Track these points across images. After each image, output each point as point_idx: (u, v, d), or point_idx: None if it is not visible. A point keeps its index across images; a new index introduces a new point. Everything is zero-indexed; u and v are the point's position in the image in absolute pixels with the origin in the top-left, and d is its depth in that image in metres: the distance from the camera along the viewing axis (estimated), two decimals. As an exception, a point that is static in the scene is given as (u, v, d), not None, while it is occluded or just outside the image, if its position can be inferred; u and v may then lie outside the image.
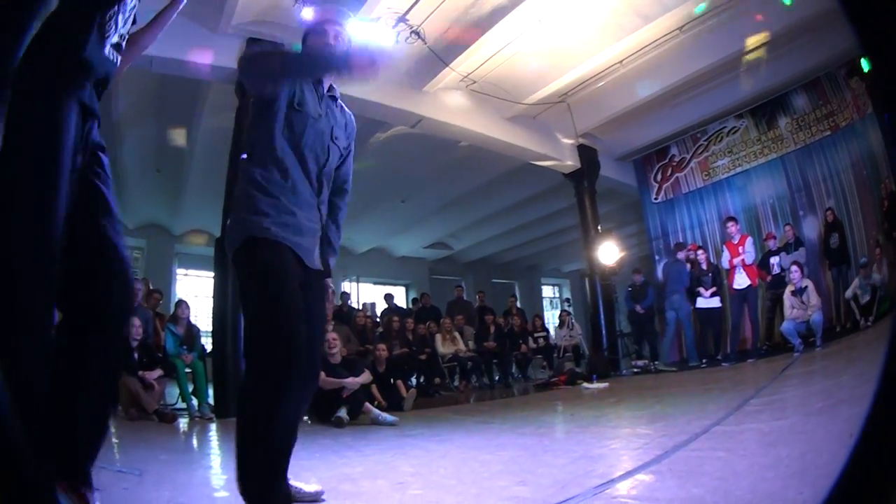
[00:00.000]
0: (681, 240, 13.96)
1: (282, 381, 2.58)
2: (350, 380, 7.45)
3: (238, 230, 2.80)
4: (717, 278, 11.64)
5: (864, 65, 9.84)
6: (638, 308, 13.02)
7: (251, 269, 2.78)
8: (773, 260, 11.19)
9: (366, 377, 7.79)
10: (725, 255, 11.37)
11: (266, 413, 2.58)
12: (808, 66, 11.23)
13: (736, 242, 11.30)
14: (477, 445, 5.24)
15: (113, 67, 2.52)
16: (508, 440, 5.43)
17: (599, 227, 13.52)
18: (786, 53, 10.76)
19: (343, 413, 7.22)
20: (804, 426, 3.96)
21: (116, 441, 5.96)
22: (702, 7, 9.84)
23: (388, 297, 15.52)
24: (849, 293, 10.09)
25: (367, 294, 20.37)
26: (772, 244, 11.47)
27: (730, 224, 11.65)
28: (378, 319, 13.43)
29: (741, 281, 11.05)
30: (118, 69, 2.60)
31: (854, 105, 10.93)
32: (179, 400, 8.65)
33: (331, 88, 3.16)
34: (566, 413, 7.49)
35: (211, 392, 8.81)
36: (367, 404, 7.50)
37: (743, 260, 11.06)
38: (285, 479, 2.82)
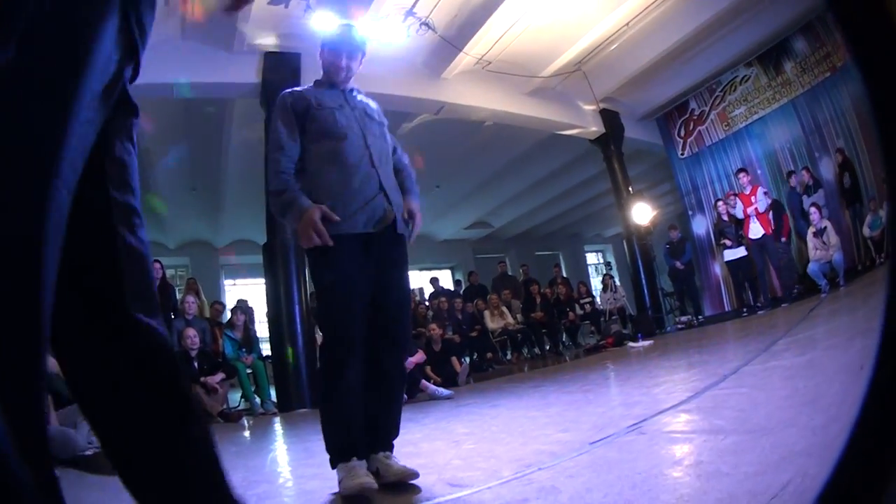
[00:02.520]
0: (711, 192, 14.17)
1: (336, 359, 3.03)
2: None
3: None
4: (739, 228, 11.62)
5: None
6: (678, 264, 13.18)
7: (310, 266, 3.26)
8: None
9: (419, 357, 8.16)
10: (739, 205, 11.38)
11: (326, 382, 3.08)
12: (801, 10, 11.36)
13: (748, 193, 11.36)
14: (527, 406, 5.57)
15: None
16: (556, 398, 5.75)
17: (630, 189, 13.66)
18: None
19: (402, 393, 7.58)
20: (821, 360, 4.17)
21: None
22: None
23: (434, 281, 15.92)
24: (866, 231, 10.18)
25: (414, 281, 20.69)
26: (793, 180, 11.71)
27: (741, 175, 11.81)
28: (427, 303, 13.72)
29: (756, 230, 11.06)
30: None
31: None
32: (242, 402, 9.08)
33: (353, 89, 3.51)
34: (610, 370, 7.77)
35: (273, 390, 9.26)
36: (424, 382, 7.87)
37: (756, 208, 11.06)
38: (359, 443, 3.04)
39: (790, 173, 12.10)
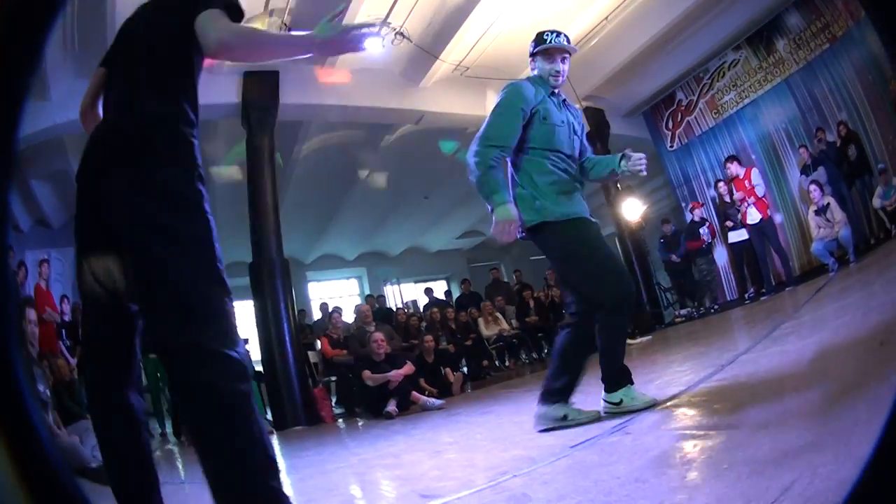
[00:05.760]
0: (703, 182, 14.02)
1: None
2: (393, 373, 7.80)
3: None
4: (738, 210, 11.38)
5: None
6: (673, 257, 13.05)
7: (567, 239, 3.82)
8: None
9: (408, 368, 8.10)
10: (737, 195, 11.14)
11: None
12: None
13: (742, 177, 11.12)
14: (517, 411, 5.44)
15: None
16: (547, 402, 5.64)
17: (619, 186, 13.56)
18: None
19: (392, 406, 7.53)
20: (831, 340, 3.95)
21: (181, 463, 6.39)
22: None
23: (428, 291, 15.86)
24: (876, 202, 9.92)
25: (410, 293, 20.59)
26: (806, 156, 11.34)
27: (729, 165, 11.47)
28: (420, 315, 13.65)
29: (754, 215, 10.84)
30: None
31: (846, 12, 10.76)
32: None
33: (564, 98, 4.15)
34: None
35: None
36: (415, 393, 7.83)
37: (755, 193, 10.85)
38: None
39: (819, 129, 11.62)
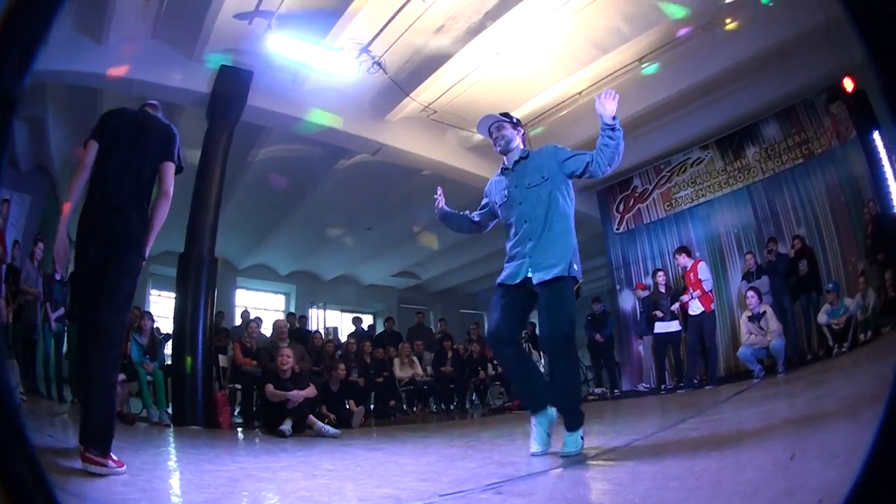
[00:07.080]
0: (642, 269, 14.06)
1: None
2: (294, 392, 7.76)
3: None
4: (677, 299, 11.46)
5: (847, 84, 9.85)
6: (598, 337, 13.05)
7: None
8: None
9: (310, 391, 8.06)
10: (691, 292, 11.05)
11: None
12: (781, 95, 11.24)
13: (689, 269, 11.16)
14: (403, 453, 5.49)
15: None
16: (436, 450, 5.67)
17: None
18: (757, 81, 10.85)
19: (287, 426, 7.47)
20: (736, 443, 3.87)
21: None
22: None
23: (356, 321, 15.71)
24: (822, 318, 9.89)
25: (334, 320, 20.35)
26: (752, 263, 11.30)
27: (679, 257, 11.51)
28: (339, 343, 13.57)
29: (695, 307, 10.89)
30: None
31: (834, 131, 10.84)
32: (144, 411, 8.83)
33: (520, 157, 4.64)
34: (506, 430, 7.66)
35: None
36: (312, 417, 7.77)
37: (703, 288, 10.86)
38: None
39: (772, 239, 11.46)
